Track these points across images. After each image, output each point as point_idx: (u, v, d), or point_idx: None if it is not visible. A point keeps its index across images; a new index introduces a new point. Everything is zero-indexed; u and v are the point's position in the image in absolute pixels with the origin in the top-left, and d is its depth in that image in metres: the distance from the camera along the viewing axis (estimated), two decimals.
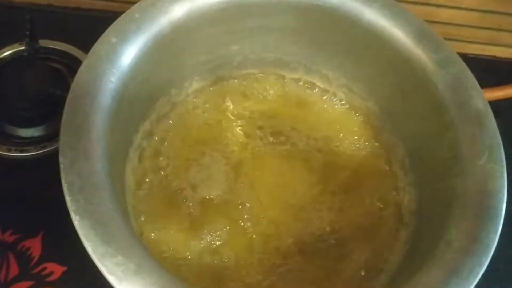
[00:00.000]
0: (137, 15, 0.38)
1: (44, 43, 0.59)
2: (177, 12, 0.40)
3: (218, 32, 0.44)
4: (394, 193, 0.46)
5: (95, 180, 0.32)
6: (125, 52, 0.37)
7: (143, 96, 0.41)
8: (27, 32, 0.56)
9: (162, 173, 0.45)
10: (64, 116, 0.33)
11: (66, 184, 0.31)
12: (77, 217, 0.30)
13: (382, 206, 0.46)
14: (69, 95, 0.34)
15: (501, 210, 0.33)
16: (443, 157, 0.38)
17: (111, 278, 0.28)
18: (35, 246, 0.49)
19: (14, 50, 0.58)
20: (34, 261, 0.48)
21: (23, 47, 0.57)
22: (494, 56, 0.67)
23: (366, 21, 0.41)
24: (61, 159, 0.31)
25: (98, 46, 0.36)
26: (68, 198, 0.30)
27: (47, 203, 0.50)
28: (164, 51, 0.40)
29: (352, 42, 0.44)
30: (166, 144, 0.47)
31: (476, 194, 0.34)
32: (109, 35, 0.36)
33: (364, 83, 0.47)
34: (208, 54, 0.46)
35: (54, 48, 0.59)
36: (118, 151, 0.38)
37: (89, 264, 0.47)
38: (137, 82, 0.39)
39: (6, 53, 0.57)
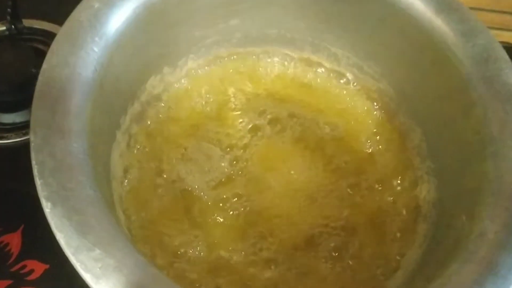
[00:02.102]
0: None
1: (28, 22, 0.54)
2: None
3: (216, 2, 0.39)
4: (410, 182, 0.42)
5: (72, 161, 0.27)
6: (110, 18, 0.32)
7: (132, 72, 0.37)
8: (9, 10, 0.52)
9: (154, 161, 0.41)
10: (37, 88, 0.29)
11: (36, 166, 0.26)
12: (49, 204, 0.25)
13: (396, 197, 0.42)
14: (43, 66, 0.30)
15: None
16: (468, 140, 0.34)
17: (86, 276, 0.24)
18: (14, 242, 0.44)
19: None
20: (13, 258, 0.44)
21: (4, 27, 0.52)
22: (508, 43, 0.62)
23: None
24: (31, 136, 0.27)
25: (78, 12, 0.32)
26: (38, 182, 0.26)
27: (29, 194, 0.46)
28: (155, 20, 0.36)
29: (365, 15, 0.39)
30: (158, 129, 0.43)
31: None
32: (90, 0, 0.32)
33: (376, 61, 0.42)
34: (205, 29, 0.41)
35: (39, 29, 0.54)
36: (102, 132, 0.33)
37: None
38: (125, 54, 0.35)
39: None
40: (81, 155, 0.28)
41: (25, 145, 0.47)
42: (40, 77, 0.29)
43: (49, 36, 0.53)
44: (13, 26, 0.52)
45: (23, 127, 0.49)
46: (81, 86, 0.30)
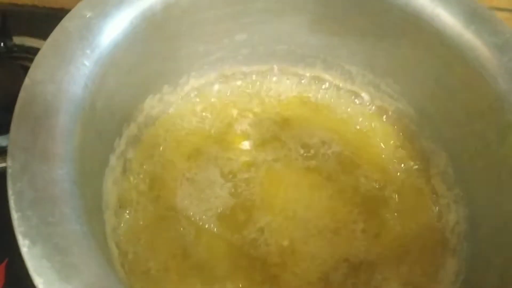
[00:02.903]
0: None
1: (19, 40, 0.51)
2: None
3: (221, 15, 0.36)
4: (435, 212, 0.38)
5: (55, 190, 0.23)
6: (103, 30, 0.29)
7: (128, 90, 0.33)
8: None
9: (152, 190, 0.37)
10: (17, 106, 0.25)
11: (13, 196, 0.22)
12: (26, 242, 0.21)
13: (419, 228, 0.38)
14: (25, 81, 0.26)
15: None
16: (506, 163, 0.30)
17: None
18: None
19: None
20: None
21: None
22: None
23: (403, 1, 0.34)
24: (9, 162, 0.23)
25: (67, 21, 0.28)
26: (15, 215, 0.22)
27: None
28: (155, 33, 0.33)
29: (383, 28, 0.36)
30: (156, 154, 0.39)
31: None
32: (83, 9, 0.28)
33: (395, 79, 0.39)
34: (208, 44, 0.38)
35: (30, 46, 0.51)
36: (93, 157, 0.30)
37: None
38: (120, 70, 0.31)
39: None
40: (66, 184, 0.24)
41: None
42: (21, 94, 0.25)
43: None
44: (1, 44, 0.49)
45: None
46: (69, 104, 0.26)
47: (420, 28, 0.34)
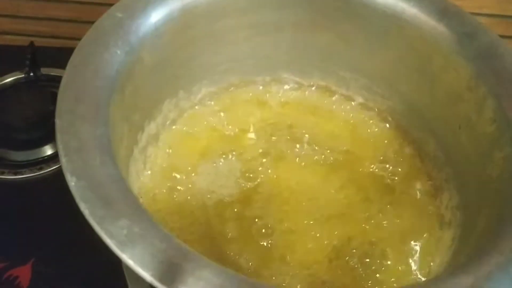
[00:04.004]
0: None
1: (46, 71, 0.57)
2: None
3: (227, 27, 0.42)
4: (430, 195, 0.42)
5: (95, 143, 0.27)
6: (131, 28, 0.34)
7: (150, 88, 0.38)
8: (27, 61, 0.55)
9: (168, 184, 0.41)
10: (62, 82, 0.30)
11: (61, 145, 0.26)
12: (73, 178, 0.25)
13: (417, 211, 0.41)
14: (68, 65, 0.31)
15: None
16: (485, 131, 0.34)
17: (111, 243, 0.23)
18: (24, 275, 0.43)
19: (16, 77, 0.56)
20: None
21: (23, 74, 0.55)
22: None
23: (384, 4, 0.39)
24: (57, 121, 0.27)
25: (102, 20, 0.33)
26: (63, 159, 0.26)
27: (40, 228, 0.46)
28: (172, 39, 0.38)
29: (369, 31, 0.41)
30: (172, 153, 0.43)
31: None
32: (115, 11, 0.34)
33: (384, 79, 0.44)
34: (217, 54, 0.43)
35: (56, 75, 0.57)
36: (121, 140, 0.34)
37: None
38: (143, 67, 0.36)
39: (8, 80, 0.55)
40: (104, 139, 0.28)
41: (38, 181, 0.48)
42: (65, 74, 0.30)
43: None
44: (32, 74, 0.55)
45: (37, 163, 0.49)
46: (104, 83, 0.31)
47: (401, 28, 0.40)
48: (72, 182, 0.25)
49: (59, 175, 0.48)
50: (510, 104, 0.33)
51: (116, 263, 0.42)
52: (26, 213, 0.47)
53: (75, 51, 0.32)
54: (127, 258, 0.23)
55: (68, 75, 0.30)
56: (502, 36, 0.38)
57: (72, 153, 0.26)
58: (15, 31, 0.66)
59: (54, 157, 0.50)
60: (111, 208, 0.24)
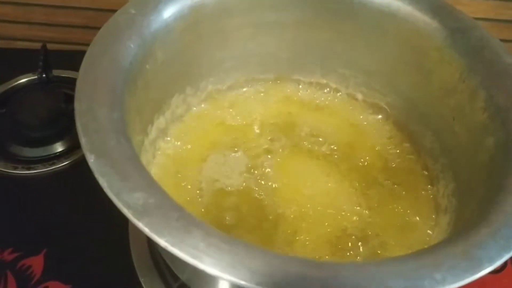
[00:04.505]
0: None
1: (57, 72, 0.59)
2: None
3: (232, 26, 0.44)
4: (428, 186, 0.43)
5: (112, 125, 0.29)
6: (144, 23, 0.36)
7: (160, 81, 0.40)
8: (40, 62, 0.57)
9: (178, 175, 0.43)
10: (81, 69, 0.32)
11: (80, 126, 0.28)
12: (92, 156, 0.27)
13: (414, 201, 0.43)
14: (86, 55, 0.33)
15: None
16: (477, 119, 0.36)
17: (129, 212, 0.25)
18: (36, 264, 0.45)
19: (29, 78, 0.58)
20: (35, 279, 0.44)
21: (36, 76, 0.57)
22: None
23: (381, 3, 0.42)
24: (76, 104, 0.30)
25: (117, 16, 0.36)
26: (83, 140, 0.28)
27: (52, 220, 0.47)
28: (181, 36, 0.40)
29: (367, 30, 0.44)
30: (180, 147, 0.45)
31: None
32: (129, 7, 0.36)
33: (383, 75, 0.46)
34: (223, 52, 0.45)
35: (67, 77, 0.59)
36: (134, 130, 0.36)
37: (94, 281, 0.43)
38: (154, 62, 0.38)
39: (21, 81, 0.58)
40: (120, 124, 0.30)
41: (51, 175, 0.50)
42: (83, 61, 0.32)
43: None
44: (44, 75, 0.57)
45: (49, 159, 0.51)
46: (119, 72, 0.33)
47: (397, 25, 0.42)
48: (91, 159, 0.27)
49: (70, 170, 0.50)
50: (499, 93, 0.35)
51: (125, 253, 0.44)
52: (39, 206, 0.49)
53: (92, 43, 0.34)
54: (143, 226, 0.25)
55: (86, 64, 0.32)
56: None
57: (91, 134, 0.28)
58: (28, 37, 0.68)
59: (66, 154, 0.52)
60: (127, 181, 0.26)
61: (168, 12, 0.38)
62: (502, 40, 0.63)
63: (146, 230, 0.24)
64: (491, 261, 0.25)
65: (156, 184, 0.27)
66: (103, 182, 0.26)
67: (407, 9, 0.41)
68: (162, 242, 0.24)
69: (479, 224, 0.27)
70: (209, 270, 0.23)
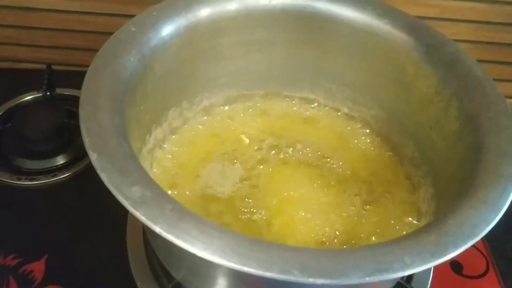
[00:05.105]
0: (154, 13, 0.41)
1: (61, 90, 0.62)
2: (191, 17, 0.43)
3: (226, 44, 0.47)
4: (410, 193, 0.46)
5: (113, 128, 0.32)
6: (143, 40, 0.40)
7: (158, 94, 0.43)
8: (45, 80, 0.60)
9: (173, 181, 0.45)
10: (85, 80, 0.35)
11: (84, 129, 0.31)
12: (94, 154, 0.30)
13: (396, 208, 0.45)
14: (90, 66, 0.36)
15: None
16: (452, 129, 0.39)
17: (127, 203, 0.27)
18: (38, 269, 0.47)
19: (34, 96, 0.61)
20: (36, 284, 0.46)
21: (41, 94, 0.60)
22: None
23: (362, 23, 0.45)
24: (80, 111, 0.32)
25: (119, 33, 0.39)
26: (86, 140, 0.31)
27: (53, 228, 0.50)
28: (178, 53, 0.43)
29: (351, 46, 0.47)
30: (177, 157, 0.48)
31: (492, 143, 0.34)
32: (129, 26, 0.40)
33: (367, 89, 0.49)
34: (217, 68, 0.48)
35: (70, 95, 0.62)
36: (132, 135, 0.39)
37: (93, 285, 0.45)
38: (153, 76, 0.41)
39: (27, 98, 0.61)
40: (120, 127, 0.33)
41: (53, 186, 0.52)
42: (88, 72, 0.35)
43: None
44: (48, 93, 0.60)
45: (52, 171, 0.54)
46: (120, 83, 0.36)
47: (378, 43, 0.45)
48: (93, 157, 0.30)
49: (70, 181, 0.53)
50: (469, 102, 0.38)
51: (123, 259, 0.46)
52: (41, 215, 0.51)
53: (96, 56, 0.37)
54: (140, 215, 0.27)
55: (90, 75, 0.35)
56: (478, 61, 0.41)
57: (93, 135, 0.31)
58: (32, 59, 0.71)
59: (67, 166, 0.55)
60: (126, 177, 0.29)
61: (166, 30, 0.42)
62: (482, 61, 0.67)
63: (143, 218, 0.27)
64: (456, 246, 0.27)
65: (152, 180, 0.30)
66: (104, 177, 0.29)
67: (386, 28, 0.44)
68: (157, 228, 0.27)
69: (447, 216, 0.30)
70: (200, 253, 0.26)
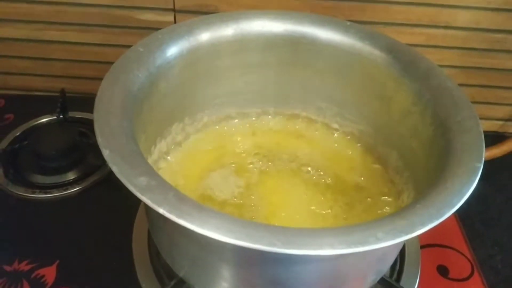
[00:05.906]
0: (160, 36, 0.47)
1: (73, 113, 0.68)
2: (193, 40, 0.49)
3: (224, 65, 0.52)
4: (395, 198, 0.50)
5: (123, 130, 0.37)
6: (150, 59, 0.45)
7: (162, 109, 0.48)
8: (59, 104, 0.66)
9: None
10: (99, 92, 0.40)
11: (98, 130, 0.36)
12: (107, 151, 0.34)
13: (383, 212, 0.49)
14: (103, 80, 0.41)
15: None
16: (428, 134, 0.43)
17: (135, 189, 0.32)
18: (49, 274, 0.51)
19: (49, 118, 0.66)
20: (47, 286, 0.49)
21: (55, 116, 0.65)
22: None
23: (346, 44, 0.50)
24: (95, 115, 0.37)
25: (128, 53, 0.44)
26: (99, 139, 0.35)
27: (65, 237, 0.54)
28: (181, 73, 0.48)
29: (338, 66, 0.52)
30: (179, 168, 0.52)
31: (459, 143, 0.39)
32: (138, 46, 0.45)
33: (353, 105, 0.54)
34: (216, 88, 0.53)
35: (82, 117, 0.67)
36: (139, 141, 0.43)
37: (103, 285, 0.48)
38: (158, 91, 0.46)
39: (42, 120, 0.66)
40: (129, 130, 0.37)
41: (64, 199, 0.57)
42: (101, 85, 0.40)
43: (90, 122, 0.66)
44: (61, 116, 0.65)
45: (63, 185, 0.58)
46: (129, 95, 0.41)
47: (362, 63, 0.50)
48: (106, 153, 0.34)
49: (81, 195, 0.57)
50: (440, 109, 0.42)
51: (129, 265, 0.49)
52: (53, 225, 0.55)
53: (108, 72, 0.42)
54: (146, 199, 0.31)
55: (103, 87, 0.40)
56: (462, 85, 0.45)
57: (106, 135, 0.35)
58: (46, 88, 0.77)
59: (77, 181, 0.59)
60: (134, 169, 0.33)
61: (170, 52, 0.47)
62: (467, 85, 0.72)
63: (149, 201, 0.31)
64: (422, 224, 0.31)
65: (156, 172, 0.34)
66: (115, 169, 0.33)
67: (368, 48, 0.49)
68: (161, 210, 0.31)
69: (417, 201, 0.34)
70: (198, 230, 0.30)
